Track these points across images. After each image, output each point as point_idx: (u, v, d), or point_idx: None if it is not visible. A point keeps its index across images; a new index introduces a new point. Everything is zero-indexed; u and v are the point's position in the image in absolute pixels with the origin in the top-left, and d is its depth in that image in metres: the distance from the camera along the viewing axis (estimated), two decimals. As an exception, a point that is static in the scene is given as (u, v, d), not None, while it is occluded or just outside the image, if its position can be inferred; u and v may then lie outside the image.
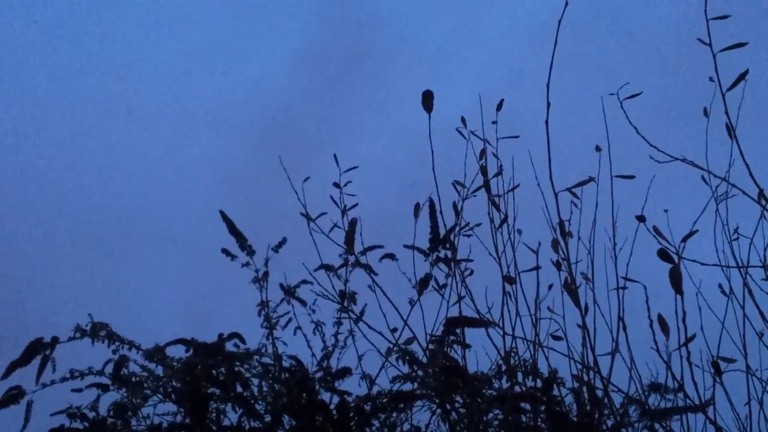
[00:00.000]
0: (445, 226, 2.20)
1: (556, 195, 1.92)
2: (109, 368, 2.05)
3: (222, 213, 2.33)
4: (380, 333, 2.10)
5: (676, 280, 1.66)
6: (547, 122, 1.89)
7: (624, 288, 2.00)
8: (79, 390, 2.03)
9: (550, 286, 2.13)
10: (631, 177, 2.08)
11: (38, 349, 2.01)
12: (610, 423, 1.95)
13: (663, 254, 1.68)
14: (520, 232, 2.17)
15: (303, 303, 2.34)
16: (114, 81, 4.51)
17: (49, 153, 4.34)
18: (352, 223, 2.37)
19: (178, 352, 2.12)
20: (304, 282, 2.35)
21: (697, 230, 1.77)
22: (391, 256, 2.34)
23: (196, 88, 4.58)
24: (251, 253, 2.33)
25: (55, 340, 2.03)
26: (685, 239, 1.74)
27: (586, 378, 1.90)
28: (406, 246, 2.32)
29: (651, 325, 1.75)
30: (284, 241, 2.34)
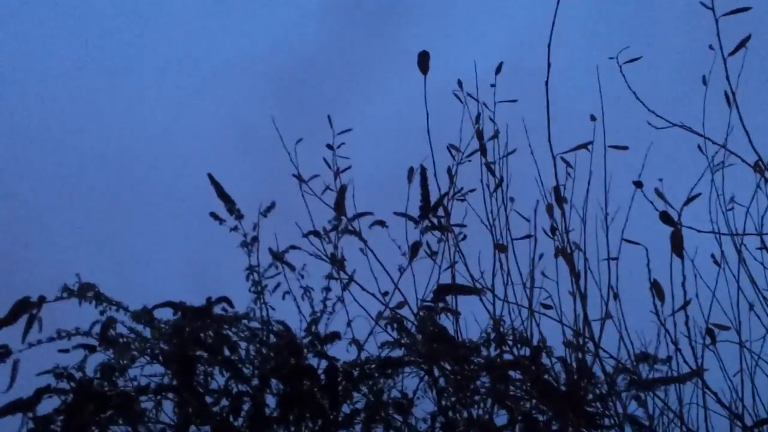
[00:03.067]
0: (439, 190, 2.19)
1: (554, 158, 1.90)
2: (97, 329, 2.03)
3: (210, 176, 2.30)
4: (372, 294, 2.08)
5: (676, 243, 1.65)
6: (547, 84, 1.87)
7: (615, 259, 1.99)
8: (66, 350, 2.02)
9: (541, 255, 2.12)
10: (625, 148, 2.06)
11: (24, 309, 1.99)
12: (599, 392, 1.96)
13: (665, 217, 1.67)
14: (512, 199, 2.16)
15: (291, 268, 2.33)
16: (123, 30, 4.35)
17: (55, 107, 4.21)
18: (342, 188, 2.35)
19: (166, 314, 2.11)
20: (293, 247, 2.33)
21: (700, 193, 1.76)
22: (381, 223, 2.33)
23: (213, 38, 4.42)
24: (239, 217, 2.31)
25: (41, 300, 2.01)
26: (687, 203, 1.73)
27: (577, 343, 1.89)
28: (396, 213, 2.31)
29: (651, 288, 1.75)
30: (273, 205, 2.32)
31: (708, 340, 1.85)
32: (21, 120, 4.15)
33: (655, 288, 1.76)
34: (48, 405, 1.95)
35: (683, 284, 1.71)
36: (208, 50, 4.39)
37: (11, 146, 4.07)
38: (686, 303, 1.75)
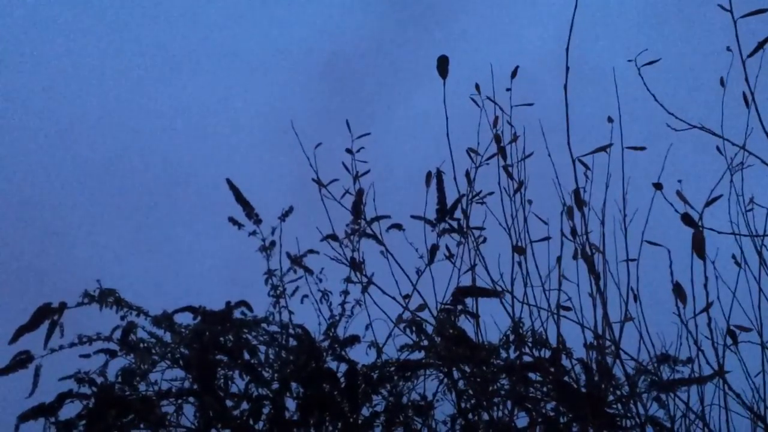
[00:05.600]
0: (458, 193, 2.20)
1: (573, 161, 1.90)
2: (117, 334, 2.05)
3: (228, 181, 2.31)
4: (393, 298, 2.09)
5: (698, 245, 1.65)
6: (565, 87, 1.87)
7: (634, 260, 1.99)
8: (88, 355, 2.03)
9: (559, 258, 2.12)
10: (642, 149, 2.06)
11: (46, 314, 2.01)
12: (619, 393, 1.96)
13: (687, 219, 1.67)
14: (530, 202, 2.16)
15: (309, 271, 2.34)
16: (162, 26, 4.29)
17: (91, 103, 4.17)
18: (359, 192, 2.36)
19: (186, 319, 2.13)
20: (311, 251, 2.34)
21: (721, 195, 1.76)
22: (398, 227, 2.34)
23: (252, 32, 4.34)
24: (258, 222, 2.33)
25: (62, 306, 2.03)
26: (708, 204, 1.73)
27: (598, 345, 1.89)
28: (413, 216, 2.32)
29: (673, 290, 1.74)
30: (291, 209, 2.33)
31: (729, 342, 1.84)
32: (52, 119, 4.13)
33: (678, 290, 1.76)
34: (70, 410, 1.96)
35: (705, 286, 1.71)
36: (248, 43, 4.33)
37: (44, 146, 4.06)
38: (708, 305, 1.75)
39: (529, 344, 2.08)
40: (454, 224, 2.26)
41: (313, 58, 4.26)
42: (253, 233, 2.32)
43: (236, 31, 4.35)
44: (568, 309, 2.04)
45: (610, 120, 2.10)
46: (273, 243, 2.32)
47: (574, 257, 2.02)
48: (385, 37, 4.33)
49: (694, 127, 1.92)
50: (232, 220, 2.32)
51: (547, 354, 2.08)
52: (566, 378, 2.03)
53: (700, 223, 1.69)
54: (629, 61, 1.92)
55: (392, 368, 2.14)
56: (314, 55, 4.27)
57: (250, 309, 2.20)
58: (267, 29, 4.36)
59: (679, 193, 1.78)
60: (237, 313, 2.17)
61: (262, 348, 2.18)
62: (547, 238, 2.08)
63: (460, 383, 2.12)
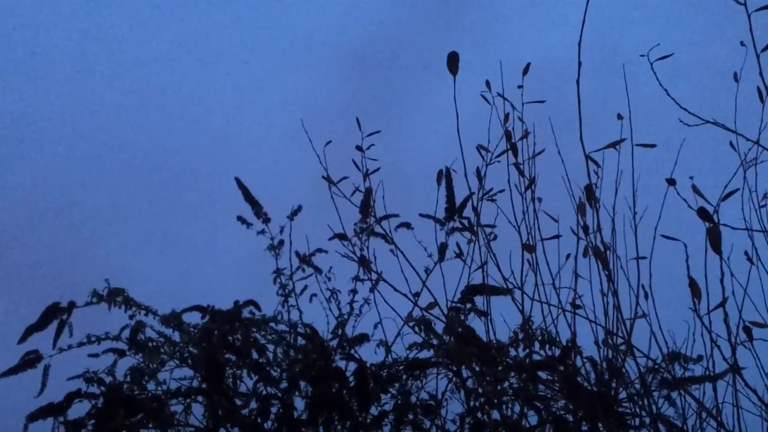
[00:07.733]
0: (470, 190, 2.19)
1: (586, 157, 1.89)
2: (126, 333, 2.04)
3: (237, 180, 2.31)
4: (405, 295, 2.09)
5: (714, 240, 1.64)
6: (578, 82, 1.86)
7: (644, 258, 1.98)
8: (96, 355, 2.03)
9: (568, 256, 2.11)
10: (652, 146, 2.05)
11: (55, 314, 2.01)
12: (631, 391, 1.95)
13: (703, 213, 1.66)
14: (540, 200, 2.15)
15: (318, 270, 2.33)
16: (182, 16, 4.23)
17: (104, 101, 4.12)
18: (368, 191, 2.35)
19: (195, 318, 2.12)
20: (320, 250, 2.34)
21: (737, 189, 1.75)
22: (406, 225, 2.33)
23: (278, 17, 4.26)
24: (266, 220, 2.32)
25: (71, 305, 2.03)
26: (723, 199, 1.72)
27: (611, 342, 1.88)
28: (422, 215, 2.31)
29: (690, 284, 1.73)
30: (300, 208, 2.33)
31: (741, 338, 1.83)
32: (65, 116, 4.10)
33: (692, 286, 1.75)
34: (79, 409, 1.96)
35: (722, 281, 1.70)
36: (269, 36, 4.28)
37: (57, 143, 4.03)
38: (725, 300, 1.74)
39: (539, 341, 2.07)
40: (464, 222, 2.26)
41: (336, 51, 4.20)
42: (262, 232, 2.31)
43: (258, 24, 4.29)
44: (578, 307, 2.03)
45: (619, 117, 2.09)
46: (282, 242, 2.32)
47: (585, 254, 2.01)
48: (412, 30, 4.27)
49: (707, 122, 1.91)
50: (240, 219, 2.32)
51: (557, 352, 2.07)
52: (576, 376, 2.02)
53: (717, 218, 1.68)
54: (641, 56, 1.91)
55: (401, 367, 2.13)
56: (337, 48, 4.21)
57: (258, 308, 2.20)
58: (289, 21, 4.30)
59: (694, 188, 1.77)
60: (245, 312, 2.17)
61: (271, 347, 2.17)
62: (558, 236, 2.08)
63: (469, 382, 2.11)
